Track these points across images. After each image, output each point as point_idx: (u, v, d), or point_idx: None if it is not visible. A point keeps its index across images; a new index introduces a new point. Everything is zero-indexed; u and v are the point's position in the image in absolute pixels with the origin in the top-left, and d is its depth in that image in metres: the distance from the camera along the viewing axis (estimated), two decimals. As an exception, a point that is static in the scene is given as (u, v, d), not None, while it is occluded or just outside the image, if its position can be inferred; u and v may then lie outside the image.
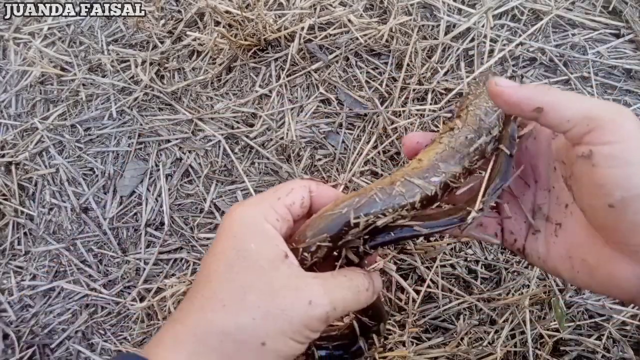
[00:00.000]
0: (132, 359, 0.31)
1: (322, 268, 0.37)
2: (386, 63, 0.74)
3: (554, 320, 0.64)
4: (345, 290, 0.35)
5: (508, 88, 0.32)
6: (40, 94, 0.81)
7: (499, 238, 0.41)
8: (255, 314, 0.32)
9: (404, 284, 0.66)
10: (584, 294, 0.66)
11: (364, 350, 0.44)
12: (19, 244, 0.76)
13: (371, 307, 0.40)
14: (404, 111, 0.71)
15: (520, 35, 0.74)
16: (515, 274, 0.67)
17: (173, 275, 0.71)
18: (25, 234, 0.76)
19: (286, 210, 0.36)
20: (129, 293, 0.71)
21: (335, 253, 0.37)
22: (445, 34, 0.74)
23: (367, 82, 0.74)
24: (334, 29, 0.74)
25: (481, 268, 0.67)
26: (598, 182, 0.29)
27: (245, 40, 0.74)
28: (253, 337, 0.31)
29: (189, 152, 0.75)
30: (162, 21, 0.81)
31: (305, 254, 0.36)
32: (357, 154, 0.71)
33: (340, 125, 0.73)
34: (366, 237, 0.36)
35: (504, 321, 0.64)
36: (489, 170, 0.36)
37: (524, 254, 0.40)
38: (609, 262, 0.31)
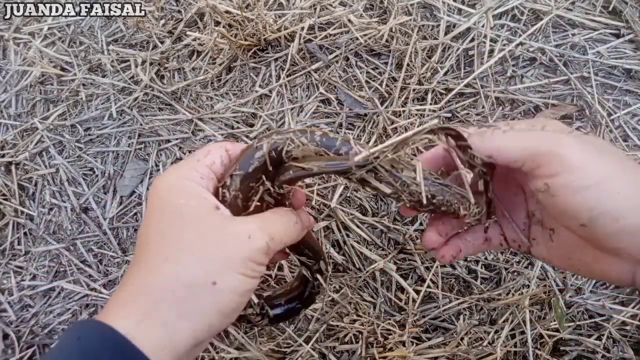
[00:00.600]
0: (87, 324, 0.31)
1: (249, 214, 0.39)
2: (386, 63, 0.74)
3: (554, 320, 0.64)
4: (277, 224, 0.36)
5: (455, 144, 0.35)
6: (40, 94, 0.81)
7: (504, 245, 0.42)
8: (199, 257, 0.32)
9: (404, 284, 0.66)
10: (584, 294, 0.66)
11: (315, 292, 0.47)
12: (19, 244, 0.76)
13: (306, 246, 0.44)
14: (404, 111, 0.71)
15: (520, 35, 0.74)
16: (515, 274, 0.67)
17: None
18: (25, 234, 0.76)
19: (208, 170, 0.37)
20: (129, 293, 0.71)
21: (252, 196, 0.39)
22: (445, 34, 0.74)
23: (367, 82, 0.74)
24: (334, 29, 0.74)
25: (481, 268, 0.67)
26: (563, 209, 0.32)
27: (245, 40, 0.74)
28: (203, 278, 0.32)
29: (189, 152, 0.75)
30: (162, 21, 0.81)
31: (224, 190, 0.37)
32: (357, 154, 0.71)
33: (340, 125, 0.73)
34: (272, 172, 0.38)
35: (504, 321, 0.64)
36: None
37: (532, 254, 0.42)
38: (601, 261, 0.34)
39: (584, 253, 0.35)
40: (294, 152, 0.37)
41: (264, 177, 0.38)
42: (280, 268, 0.67)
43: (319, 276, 0.47)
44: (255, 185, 0.38)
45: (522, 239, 0.41)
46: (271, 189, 0.38)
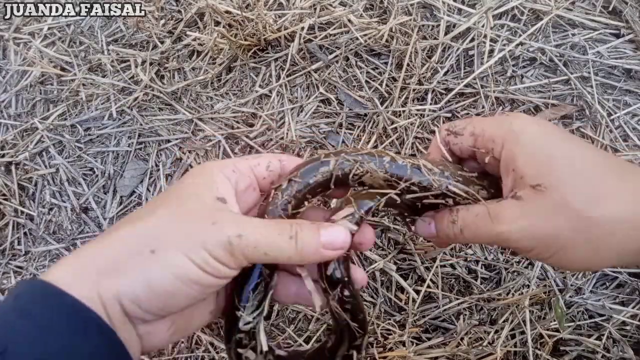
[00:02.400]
0: (21, 282, 0.30)
1: None
2: (386, 63, 0.74)
3: (554, 320, 0.64)
4: (262, 227, 0.32)
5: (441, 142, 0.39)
6: (40, 94, 0.81)
7: None
8: (155, 222, 0.31)
9: (404, 284, 0.66)
10: (583, 294, 0.66)
11: None
12: (19, 244, 0.76)
13: (352, 304, 0.38)
14: (404, 111, 0.71)
15: (520, 35, 0.74)
16: (515, 274, 0.67)
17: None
18: (25, 234, 0.76)
19: (248, 168, 0.36)
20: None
21: (301, 207, 0.37)
22: (445, 34, 0.74)
23: (367, 82, 0.74)
24: (334, 29, 0.74)
25: (481, 268, 0.67)
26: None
27: (245, 40, 0.74)
28: (144, 243, 0.30)
29: (189, 152, 0.75)
30: (162, 21, 0.81)
31: (277, 192, 0.36)
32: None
33: (340, 125, 0.73)
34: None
35: (504, 321, 0.65)
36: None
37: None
38: None
39: None
40: (363, 179, 0.37)
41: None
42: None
43: (354, 353, 0.39)
44: (310, 198, 0.37)
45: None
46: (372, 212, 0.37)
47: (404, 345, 0.63)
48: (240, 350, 0.35)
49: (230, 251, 0.30)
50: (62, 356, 0.27)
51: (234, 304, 0.35)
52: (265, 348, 0.36)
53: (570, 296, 0.66)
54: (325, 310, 0.41)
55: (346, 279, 0.37)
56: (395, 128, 0.71)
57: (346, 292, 0.37)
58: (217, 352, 0.65)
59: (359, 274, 0.39)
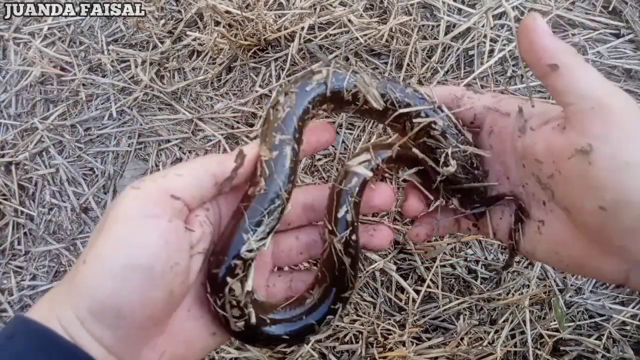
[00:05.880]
0: (18, 320, 0.29)
1: None
2: (386, 63, 0.74)
3: (554, 320, 0.64)
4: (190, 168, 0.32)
5: (543, 29, 0.29)
6: (40, 94, 0.81)
7: (473, 230, 0.41)
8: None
9: (404, 284, 0.66)
10: (583, 294, 0.66)
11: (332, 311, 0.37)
12: (19, 244, 0.76)
13: (357, 258, 0.37)
14: (404, 111, 0.71)
15: (520, 35, 0.74)
16: (515, 274, 0.67)
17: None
18: (25, 234, 0.76)
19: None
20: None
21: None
22: (445, 34, 0.74)
23: (367, 82, 0.74)
24: (334, 29, 0.74)
25: (481, 268, 0.67)
26: (591, 183, 0.27)
27: (245, 40, 0.74)
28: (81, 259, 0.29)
29: (189, 152, 0.75)
30: (162, 21, 0.81)
31: (276, 108, 0.34)
32: (357, 154, 0.71)
33: (340, 125, 0.73)
34: None
35: (504, 321, 0.65)
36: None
37: (512, 247, 0.39)
38: (594, 258, 0.30)
39: (574, 248, 0.31)
40: (359, 95, 0.35)
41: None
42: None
43: (340, 306, 0.37)
44: (312, 112, 0.35)
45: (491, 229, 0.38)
46: None
47: (404, 345, 0.63)
48: (229, 278, 0.32)
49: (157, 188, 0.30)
50: None
51: (241, 225, 0.32)
52: (250, 287, 0.33)
53: (570, 296, 0.66)
54: (317, 259, 0.39)
55: (356, 224, 0.36)
56: (395, 128, 0.71)
57: (354, 237, 0.36)
58: (217, 352, 0.65)
59: (384, 232, 0.39)
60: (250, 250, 0.32)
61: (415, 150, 0.37)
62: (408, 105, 0.36)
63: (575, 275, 0.67)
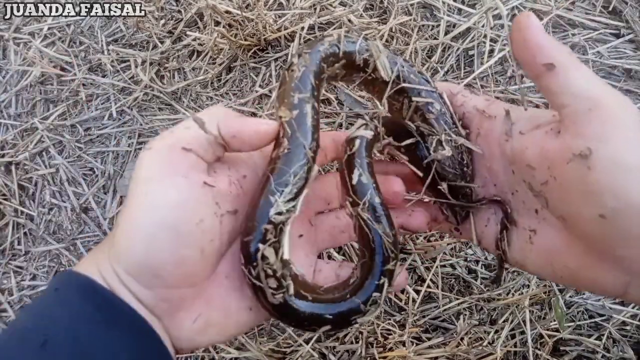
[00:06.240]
0: (64, 273, 0.31)
1: None
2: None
3: (554, 320, 0.64)
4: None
5: (537, 26, 0.28)
6: (40, 94, 0.81)
7: (453, 231, 0.39)
8: None
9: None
10: (584, 294, 0.66)
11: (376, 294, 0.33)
12: (19, 244, 0.76)
13: (390, 223, 0.34)
14: (404, 111, 0.71)
15: (520, 35, 0.74)
16: (515, 273, 0.67)
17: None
18: (25, 234, 0.76)
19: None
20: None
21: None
22: (445, 34, 0.74)
23: (367, 82, 0.74)
24: (334, 29, 0.74)
25: (481, 268, 0.67)
26: (590, 189, 0.26)
27: (245, 40, 0.74)
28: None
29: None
30: (162, 21, 0.81)
31: (292, 69, 0.34)
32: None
33: (340, 125, 0.73)
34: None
35: (504, 321, 0.65)
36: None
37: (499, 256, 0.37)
38: (591, 269, 0.28)
39: (569, 258, 0.30)
40: (370, 64, 0.35)
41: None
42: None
43: (385, 281, 0.34)
44: (327, 71, 0.35)
45: (474, 237, 0.36)
46: None
47: (404, 345, 0.63)
48: (261, 245, 0.30)
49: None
50: (99, 348, 0.27)
51: (268, 188, 0.30)
52: (287, 256, 0.31)
53: (570, 296, 0.66)
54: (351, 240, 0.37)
55: (374, 184, 0.34)
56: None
57: (377, 200, 0.34)
58: (217, 352, 0.65)
59: (420, 215, 0.38)
60: (279, 213, 0.30)
61: (409, 124, 0.37)
62: (412, 82, 0.36)
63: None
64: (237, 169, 0.33)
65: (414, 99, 0.36)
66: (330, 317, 0.32)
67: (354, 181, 0.34)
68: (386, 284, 0.34)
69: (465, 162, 0.36)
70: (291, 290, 0.31)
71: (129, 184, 0.30)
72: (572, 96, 0.27)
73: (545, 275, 0.33)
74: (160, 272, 0.29)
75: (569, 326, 0.64)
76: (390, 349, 0.63)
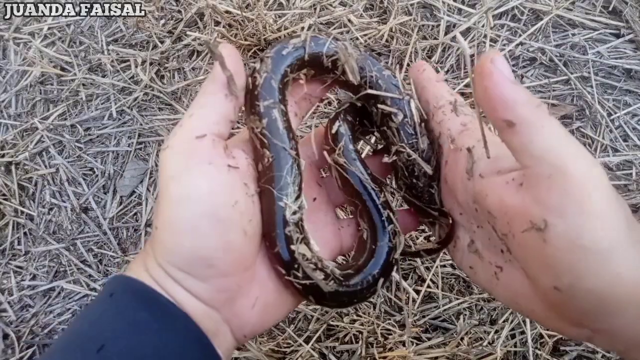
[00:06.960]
0: (117, 279, 0.31)
1: None
2: (386, 63, 0.74)
3: (554, 320, 0.64)
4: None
5: (502, 74, 0.25)
6: (40, 94, 0.81)
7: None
8: None
9: (404, 284, 0.66)
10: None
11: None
12: (19, 244, 0.76)
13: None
14: (404, 111, 0.71)
15: (520, 35, 0.74)
16: (515, 274, 0.67)
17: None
18: (25, 234, 0.76)
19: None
20: (129, 293, 0.71)
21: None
22: (445, 34, 0.74)
23: (367, 82, 0.74)
24: (334, 28, 0.74)
25: (481, 268, 0.67)
26: (546, 262, 0.24)
27: (245, 40, 0.74)
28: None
29: (189, 152, 0.75)
30: (162, 21, 0.81)
31: (255, 75, 0.34)
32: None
33: (340, 125, 0.73)
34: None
35: (504, 321, 0.64)
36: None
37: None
38: (556, 321, 0.27)
39: (536, 305, 0.28)
40: (338, 62, 0.35)
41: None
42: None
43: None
44: (292, 76, 0.35)
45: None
46: None
47: (404, 345, 0.63)
48: (292, 246, 0.31)
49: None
50: (153, 352, 0.28)
51: (273, 198, 0.31)
52: (316, 248, 0.33)
53: (570, 296, 0.66)
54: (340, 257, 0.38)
55: (350, 136, 0.36)
56: (395, 128, 0.71)
57: (351, 147, 0.36)
58: (217, 352, 0.65)
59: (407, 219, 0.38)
60: (294, 213, 0.31)
61: (375, 129, 0.38)
62: (379, 87, 0.36)
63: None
64: (249, 152, 0.34)
65: (379, 106, 0.36)
66: (377, 274, 0.34)
67: (333, 130, 0.35)
68: (390, 214, 0.35)
69: (416, 173, 0.35)
70: (337, 272, 0.32)
71: (158, 185, 0.31)
72: (533, 158, 0.24)
73: (513, 309, 0.31)
74: (213, 262, 0.29)
75: (569, 326, 0.64)
76: (390, 349, 0.62)
